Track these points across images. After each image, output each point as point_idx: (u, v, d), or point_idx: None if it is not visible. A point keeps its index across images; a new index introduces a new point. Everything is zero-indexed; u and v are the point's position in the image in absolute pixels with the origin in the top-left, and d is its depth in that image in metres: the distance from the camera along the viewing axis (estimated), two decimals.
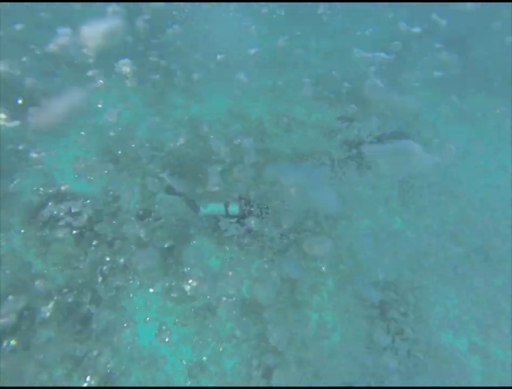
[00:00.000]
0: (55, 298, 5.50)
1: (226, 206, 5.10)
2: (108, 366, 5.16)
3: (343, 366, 5.18)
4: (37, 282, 5.56)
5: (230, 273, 5.28)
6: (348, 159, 7.65)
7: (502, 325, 5.80)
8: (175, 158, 7.39)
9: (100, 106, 8.25)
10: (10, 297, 5.07)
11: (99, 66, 8.02)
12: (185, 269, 5.83)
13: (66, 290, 5.62)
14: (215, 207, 5.17)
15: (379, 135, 7.02)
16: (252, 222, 4.99)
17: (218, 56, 9.63)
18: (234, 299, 5.56)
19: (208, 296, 5.67)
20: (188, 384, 5.15)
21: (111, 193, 6.77)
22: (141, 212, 6.51)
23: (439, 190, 7.75)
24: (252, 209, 5.08)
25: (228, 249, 5.88)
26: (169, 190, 5.54)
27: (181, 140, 7.71)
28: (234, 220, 5.11)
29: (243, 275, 5.78)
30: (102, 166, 7.25)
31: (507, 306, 6.03)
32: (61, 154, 7.46)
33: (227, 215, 5.08)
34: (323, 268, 6.07)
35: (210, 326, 5.55)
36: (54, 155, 7.39)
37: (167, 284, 5.88)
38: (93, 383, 4.97)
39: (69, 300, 5.52)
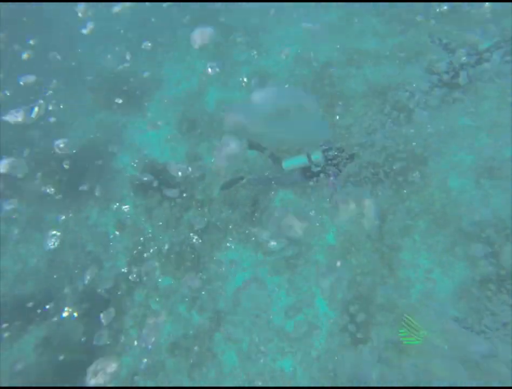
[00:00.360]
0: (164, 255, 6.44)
1: (308, 155, 4.90)
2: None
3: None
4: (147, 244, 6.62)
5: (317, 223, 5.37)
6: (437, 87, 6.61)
7: None
8: None
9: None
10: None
11: None
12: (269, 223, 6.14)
13: (168, 247, 6.48)
14: (298, 159, 4.99)
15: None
16: (340, 166, 4.78)
17: None
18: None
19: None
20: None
21: (195, 158, 7.29)
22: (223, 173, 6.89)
23: None
24: (336, 153, 4.84)
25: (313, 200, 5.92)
26: (253, 145, 5.50)
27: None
28: (319, 168, 4.91)
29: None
30: (182, 135, 7.79)
31: None
32: (145, 129, 8.22)
33: (311, 165, 4.90)
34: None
35: (303, 273, 5.80)
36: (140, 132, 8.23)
37: (254, 239, 6.26)
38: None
39: (172, 256, 6.38)
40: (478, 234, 5.35)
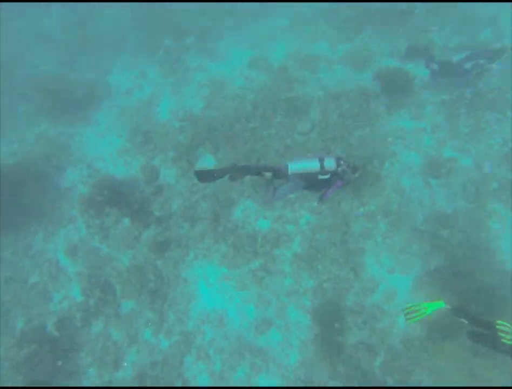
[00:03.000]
0: (125, 276, 6.01)
1: (321, 160, 4.25)
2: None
3: None
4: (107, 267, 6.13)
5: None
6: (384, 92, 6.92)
7: None
8: (205, 125, 7.21)
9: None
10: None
11: None
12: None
13: (131, 270, 6.07)
14: (308, 164, 4.25)
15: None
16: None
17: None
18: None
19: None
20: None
21: (150, 171, 6.90)
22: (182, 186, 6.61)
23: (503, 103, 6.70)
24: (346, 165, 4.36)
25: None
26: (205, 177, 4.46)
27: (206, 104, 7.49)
28: (327, 176, 4.30)
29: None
30: (136, 147, 7.34)
31: None
32: (97, 142, 7.65)
33: (322, 171, 4.24)
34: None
35: (270, 286, 5.71)
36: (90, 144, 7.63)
37: (223, 251, 6.07)
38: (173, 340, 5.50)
39: (134, 281, 5.98)
40: (430, 230, 5.67)
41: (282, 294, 5.69)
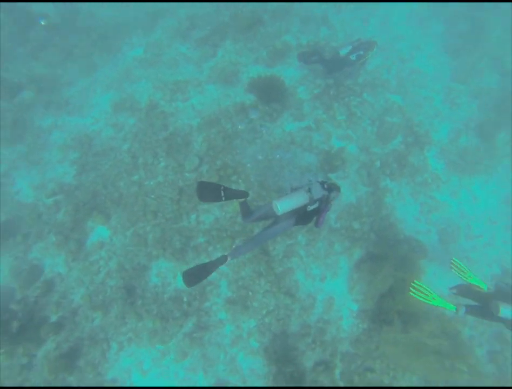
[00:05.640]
0: None
1: (309, 191, 3.95)
2: None
3: None
4: None
5: None
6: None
7: None
8: (85, 193, 6.19)
9: None
10: None
11: None
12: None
13: None
14: (297, 199, 3.90)
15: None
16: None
17: None
18: None
19: None
20: None
21: (27, 270, 5.65)
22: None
23: None
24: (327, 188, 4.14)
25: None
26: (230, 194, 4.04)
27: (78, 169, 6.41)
28: (316, 204, 4.03)
29: None
30: None
31: None
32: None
33: (311, 202, 3.94)
34: None
35: (212, 341, 5.25)
36: None
37: (150, 326, 5.34)
38: None
39: None
40: (344, 225, 5.94)
41: (227, 345, 5.31)
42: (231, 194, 3.97)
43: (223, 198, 3.91)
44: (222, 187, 3.92)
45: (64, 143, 6.93)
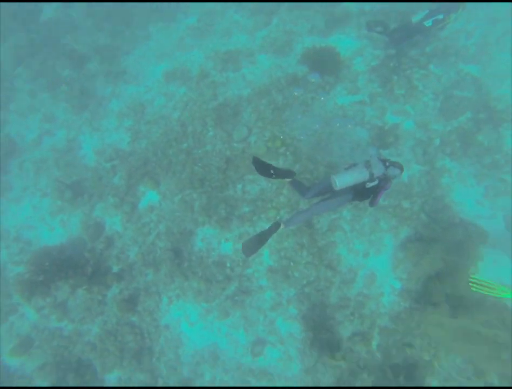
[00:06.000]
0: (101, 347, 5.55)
1: (369, 167, 3.88)
2: None
3: None
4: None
5: None
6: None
7: None
8: (137, 159, 6.64)
9: None
10: None
11: None
12: None
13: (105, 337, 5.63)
14: (356, 175, 3.88)
15: None
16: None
17: None
18: None
19: None
20: None
21: (93, 225, 6.32)
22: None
23: None
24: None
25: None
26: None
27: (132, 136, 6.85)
28: (376, 182, 3.95)
29: None
30: (68, 203, 6.64)
31: None
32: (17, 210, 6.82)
33: (371, 178, 3.90)
34: None
35: (253, 305, 5.56)
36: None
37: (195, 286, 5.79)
38: None
39: (112, 348, 5.57)
40: (392, 204, 5.76)
41: (267, 309, 5.60)
42: (280, 174, 4.06)
43: (274, 176, 4.01)
44: (271, 168, 4.01)
45: (119, 111, 7.44)
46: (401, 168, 4.16)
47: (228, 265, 5.86)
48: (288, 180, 4.18)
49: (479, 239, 5.43)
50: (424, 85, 6.61)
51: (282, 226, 3.96)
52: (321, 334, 5.25)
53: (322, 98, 6.51)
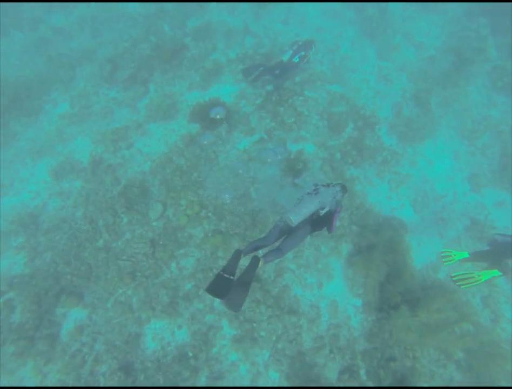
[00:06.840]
0: None
1: (317, 196, 4.02)
2: None
3: None
4: None
5: None
6: None
7: None
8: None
9: None
10: None
11: None
12: None
13: None
14: (308, 207, 3.93)
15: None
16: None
17: None
18: None
19: None
20: None
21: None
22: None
23: None
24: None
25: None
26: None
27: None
28: (327, 208, 4.05)
29: None
30: None
31: None
32: None
33: (322, 206, 4.02)
34: None
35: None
36: None
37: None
38: None
39: None
40: None
41: (248, 385, 5.06)
42: (233, 268, 3.66)
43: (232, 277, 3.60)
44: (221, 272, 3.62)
45: (1, 231, 6.21)
46: (345, 189, 4.42)
47: (190, 354, 5.20)
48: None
49: (402, 229, 5.99)
50: (308, 109, 7.27)
51: (261, 263, 3.70)
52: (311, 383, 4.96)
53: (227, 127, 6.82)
